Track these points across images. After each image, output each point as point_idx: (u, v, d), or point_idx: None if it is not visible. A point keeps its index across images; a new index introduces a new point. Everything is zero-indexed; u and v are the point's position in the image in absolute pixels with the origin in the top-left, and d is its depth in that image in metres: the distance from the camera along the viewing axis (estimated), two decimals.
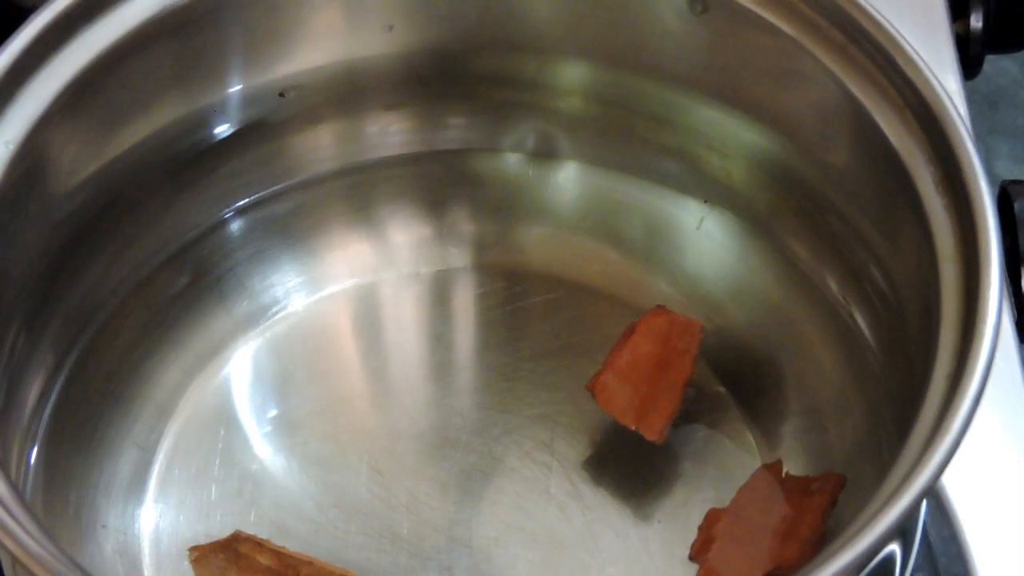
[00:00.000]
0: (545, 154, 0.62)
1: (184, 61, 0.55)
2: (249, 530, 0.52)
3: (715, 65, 0.56)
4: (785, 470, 0.52)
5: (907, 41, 0.49)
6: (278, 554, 0.50)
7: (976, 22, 0.66)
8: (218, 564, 0.50)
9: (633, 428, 0.53)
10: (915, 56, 0.48)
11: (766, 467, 0.53)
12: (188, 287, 0.59)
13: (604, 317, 0.59)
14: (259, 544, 0.51)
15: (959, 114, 0.47)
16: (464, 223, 0.62)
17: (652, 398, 0.54)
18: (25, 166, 0.49)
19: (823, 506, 0.50)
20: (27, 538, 0.40)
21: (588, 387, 0.54)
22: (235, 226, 0.60)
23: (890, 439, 0.49)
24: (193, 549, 0.51)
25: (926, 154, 0.48)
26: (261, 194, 0.61)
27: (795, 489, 0.51)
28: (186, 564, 0.52)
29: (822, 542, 0.50)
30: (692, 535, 0.52)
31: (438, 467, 0.55)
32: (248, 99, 0.58)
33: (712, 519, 0.52)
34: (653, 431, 0.53)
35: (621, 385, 0.54)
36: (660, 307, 0.56)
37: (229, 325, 0.59)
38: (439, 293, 0.60)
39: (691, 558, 0.52)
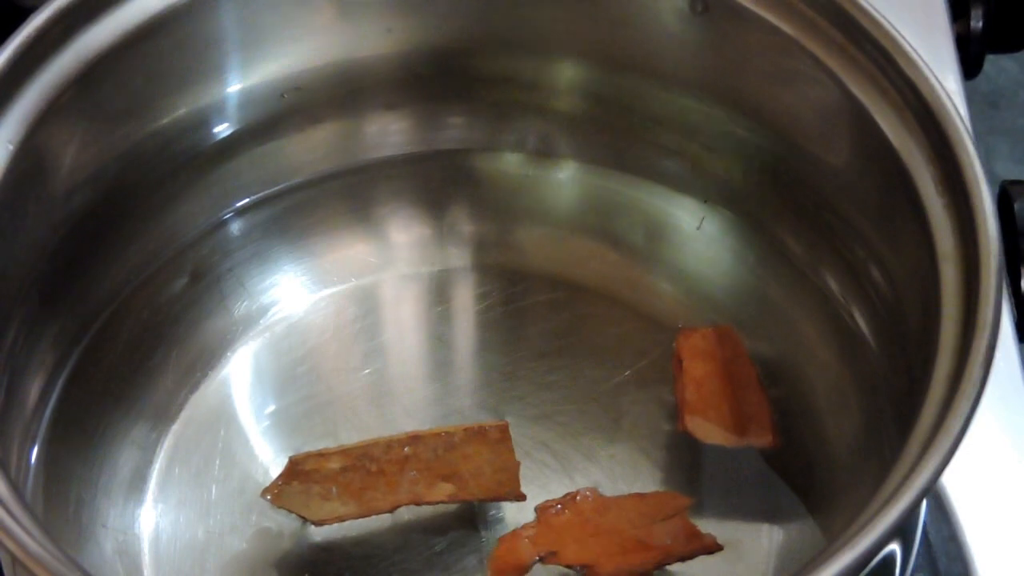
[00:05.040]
0: (545, 154, 0.62)
1: (184, 61, 0.55)
2: (248, 529, 0.53)
3: (715, 65, 0.56)
4: (687, 513, 0.52)
5: (907, 41, 0.49)
6: (342, 453, 0.51)
7: (976, 22, 0.66)
8: (296, 490, 0.51)
9: (745, 445, 0.53)
10: (915, 56, 0.48)
11: (674, 497, 0.52)
12: (188, 287, 0.59)
13: (604, 317, 0.59)
14: (319, 455, 0.51)
15: (959, 114, 0.47)
16: (464, 223, 0.62)
17: (741, 411, 0.54)
18: (25, 166, 0.49)
19: (670, 554, 0.51)
20: (27, 538, 0.40)
21: (680, 430, 0.54)
22: (235, 226, 0.60)
23: (890, 439, 0.49)
24: (265, 491, 0.51)
25: (926, 154, 0.48)
26: (261, 194, 0.61)
27: (673, 528, 0.51)
28: (186, 564, 0.52)
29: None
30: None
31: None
32: (248, 99, 0.58)
33: (581, 496, 0.51)
34: (764, 438, 0.53)
35: (706, 414, 0.53)
36: (683, 328, 0.56)
37: (229, 325, 0.59)
38: (439, 293, 0.60)
39: (536, 508, 0.51)
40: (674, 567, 0.52)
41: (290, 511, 0.52)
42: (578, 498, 0.51)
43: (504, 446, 0.52)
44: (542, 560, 0.50)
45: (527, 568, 0.50)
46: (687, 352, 0.55)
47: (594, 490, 0.52)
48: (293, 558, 0.52)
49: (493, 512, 0.53)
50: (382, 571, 0.52)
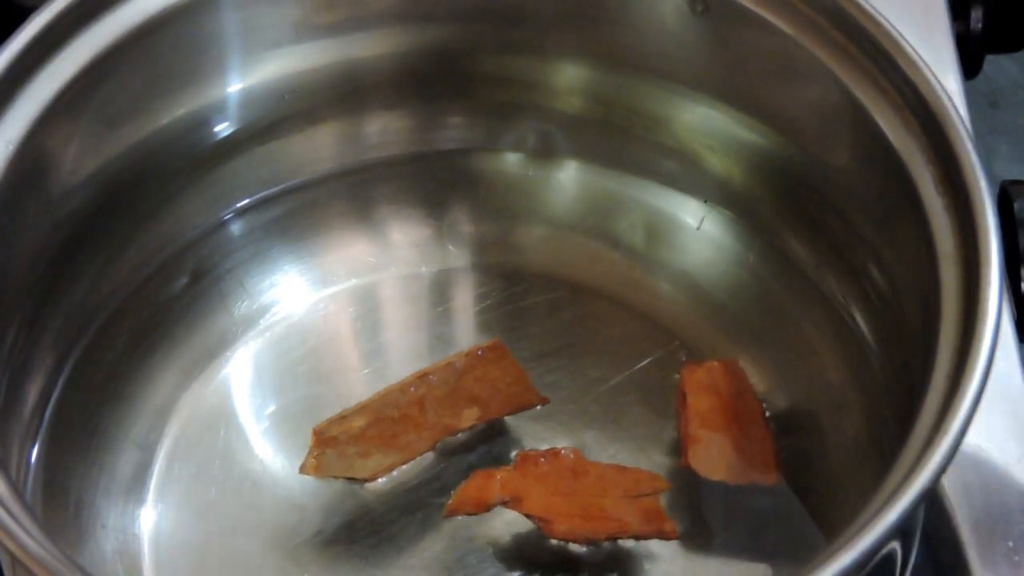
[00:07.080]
0: (545, 154, 0.62)
1: (184, 61, 0.55)
2: (248, 529, 0.53)
3: (715, 65, 0.56)
4: (663, 496, 0.52)
5: (907, 41, 0.49)
6: (361, 411, 0.52)
7: (976, 22, 0.66)
8: (333, 456, 0.52)
9: (748, 483, 0.53)
10: (915, 56, 0.48)
11: (654, 478, 0.52)
12: (188, 287, 0.59)
13: (604, 317, 0.59)
14: (340, 418, 0.52)
15: (959, 114, 0.47)
16: (464, 223, 0.62)
17: (745, 448, 0.53)
18: (25, 166, 0.49)
19: (625, 529, 0.51)
20: (27, 538, 0.40)
21: (683, 466, 0.53)
22: (235, 226, 0.60)
23: (890, 439, 0.49)
24: (303, 468, 0.52)
25: (926, 154, 0.48)
26: (261, 194, 0.61)
27: (639, 507, 0.51)
28: (186, 564, 0.52)
29: (581, 541, 0.51)
30: (691, 531, 0.52)
31: (438, 467, 0.55)
32: (248, 99, 0.58)
33: (564, 453, 0.52)
34: (768, 476, 0.53)
35: (710, 450, 0.53)
36: (688, 362, 0.56)
37: (229, 325, 0.59)
38: (439, 293, 0.60)
39: (518, 454, 0.52)
40: (675, 567, 0.52)
41: (336, 477, 0.53)
42: (560, 454, 0.52)
43: (506, 360, 0.54)
44: (505, 504, 0.51)
45: (489, 507, 0.51)
46: (691, 387, 0.54)
47: (577, 451, 0.52)
48: (295, 555, 0.52)
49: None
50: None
